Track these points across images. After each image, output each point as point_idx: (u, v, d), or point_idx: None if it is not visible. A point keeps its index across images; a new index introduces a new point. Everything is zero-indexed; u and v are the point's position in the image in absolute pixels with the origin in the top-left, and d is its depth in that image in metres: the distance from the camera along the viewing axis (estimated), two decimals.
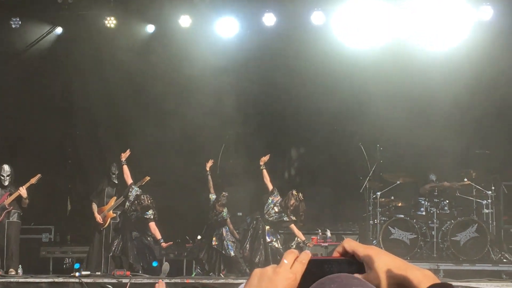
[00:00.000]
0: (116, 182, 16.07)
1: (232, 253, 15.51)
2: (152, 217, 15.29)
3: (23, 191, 14.96)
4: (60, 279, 13.87)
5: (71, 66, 17.85)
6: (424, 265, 14.97)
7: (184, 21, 16.98)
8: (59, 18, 17.76)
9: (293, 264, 1.92)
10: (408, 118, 16.98)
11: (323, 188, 18.89)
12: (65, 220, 19.19)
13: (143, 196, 15.30)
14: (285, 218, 15.40)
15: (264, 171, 15.61)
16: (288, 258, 1.93)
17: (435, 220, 16.14)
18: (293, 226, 15.49)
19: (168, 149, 17.66)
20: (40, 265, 16.92)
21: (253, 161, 16.17)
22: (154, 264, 15.28)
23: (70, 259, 17.42)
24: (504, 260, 15.57)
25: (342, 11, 16.51)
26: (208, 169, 16.11)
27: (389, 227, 15.97)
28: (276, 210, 15.45)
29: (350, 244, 2.00)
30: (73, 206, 19.50)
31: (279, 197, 15.54)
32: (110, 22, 17.17)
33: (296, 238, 15.66)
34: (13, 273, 14.71)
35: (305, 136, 18.76)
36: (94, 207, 15.89)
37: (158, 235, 15.25)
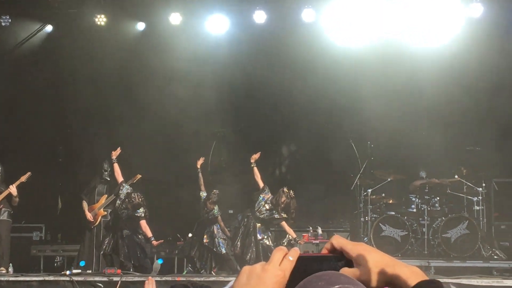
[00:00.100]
0: (108, 179, 16.04)
1: (223, 251, 15.51)
2: (143, 215, 15.27)
3: (13, 189, 14.90)
4: (51, 278, 13.82)
5: (61, 64, 17.80)
6: (415, 262, 15.00)
7: (175, 18, 16.95)
8: (49, 16, 17.73)
9: (282, 261, 1.91)
10: (399, 115, 17.00)
11: (314, 186, 18.89)
12: (56, 219, 19.14)
13: (134, 194, 15.27)
14: (276, 216, 15.41)
15: (255, 169, 15.62)
16: (277, 255, 1.93)
17: (426, 217, 16.17)
18: (284, 223, 15.50)
19: (159, 147, 17.64)
20: (31, 263, 16.89)
21: (244, 159, 16.17)
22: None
23: (61, 258, 17.38)
24: (495, 257, 15.60)
25: (333, 8, 16.49)
26: (199, 166, 16.12)
27: (380, 224, 15.98)
28: (267, 207, 15.45)
29: (338, 241, 2.00)
30: (64, 204, 19.46)
31: (270, 194, 15.55)
32: (100, 20, 17.13)
33: (287, 236, 15.66)
34: (3, 271, 14.66)
35: (296, 134, 18.77)
36: (85, 205, 15.86)
37: (149, 233, 15.23)
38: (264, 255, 14.82)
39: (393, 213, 16.30)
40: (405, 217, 16.07)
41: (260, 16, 16.81)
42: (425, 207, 16.27)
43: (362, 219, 16.57)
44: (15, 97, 17.84)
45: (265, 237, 15.43)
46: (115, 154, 15.71)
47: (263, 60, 17.71)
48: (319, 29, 16.76)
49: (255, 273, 1.92)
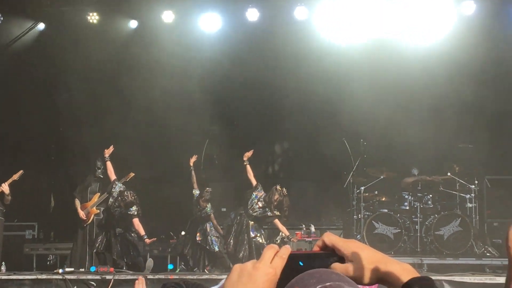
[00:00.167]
0: (101, 176, 16.02)
1: (216, 249, 15.51)
2: (135, 213, 15.25)
3: (5, 187, 14.86)
4: (44, 276, 13.81)
5: (53, 62, 17.76)
6: (408, 260, 15.03)
7: (167, 16, 16.94)
8: (42, 14, 17.68)
9: (273, 259, 1.91)
10: (392, 113, 17.01)
11: (307, 183, 18.91)
12: (48, 217, 19.11)
13: (127, 192, 15.26)
14: (269, 213, 15.42)
15: (248, 167, 15.61)
16: (268, 253, 1.93)
17: (418, 215, 16.20)
18: (277, 221, 15.50)
19: (152, 145, 17.63)
20: (23, 262, 16.85)
21: (236, 157, 16.16)
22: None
23: (53, 256, 17.35)
24: (488, 254, 15.63)
25: (325, 6, 16.50)
26: (191, 164, 16.12)
27: (373, 221, 16.00)
28: (260, 205, 15.46)
29: (330, 238, 2.00)
30: (57, 203, 19.43)
31: (263, 192, 15.55)
32: (93, 17, 17.11)
33: (280, 233, 15.67)
34: None
35: (289, 131, 18.77)
36: (77, 203, 15.83)
37: (142, 231, 15.22)
38: (257, 253, 14.82)
39: (386, 210, 16.32)
40: (398, 215, 16.09)
41: (252, 14, 16.81)
42: (418, 204, 16.30)
43: (355, 216, 16.58)
44: (7, 95, 17.79)
45: (258, 235, 15.44)
46: (108, 152, 15.68)
47: (256, 58, 17.70)
48: (312, 27, 16.77)
49: (246, 271, 1.92)
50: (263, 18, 16.87)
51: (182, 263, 15.93)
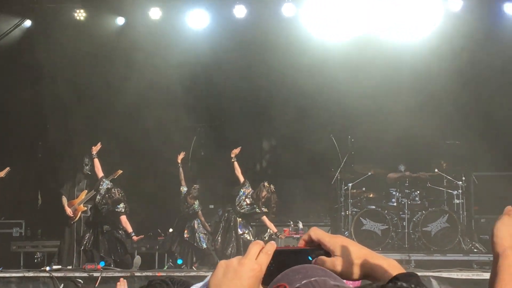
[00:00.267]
0: (89, 172, 15.99)
1: (204, 246, 15.52)
2: (123, 210, 15.24)
3: None
4: (31, 274, 13.78)
5: (40, 59, 17.68)
6: (396, 256, 15.04)
7: (155, 13, 16.91)
8: (28, 10, 17.61)
9: (259, 255, 1.91)
10: (379, 110, 17.04)
11: (295, 180, 18.91)
12: (36, 214, 19.03)
13: (114, 190, 15.24)
14: (257, 210, 15.43)
15: (235, 163, 15.63)
16: (253, 249, 1.93)
17: (406, 211, 16.23)
18: (265, 218, 15.53)
19: (139, 142, 17.57)
20: (10, 259, 16.78)
21: (224, 154, 16.17)
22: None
23: (41, 254, 17.28)
24: (475, 250, 15.68)
25: (313, 3, 16.50)
26: (179, 161, 16.13)
27: (360, 218, 16.02)
28: (248, 202, 15.47)
29: (316, 233, 2.00)
30: (44, 200, 19.35)
31: (250, 189, 15.57)
32: (80, 14, 17.06)
33: (268, 230, 15.69)
34: None
35: (276, 128, 18.75)
36: (64, 200, 15.80)
37: (129, 229, 15.21)
38: (245, 250, 14.43)
39: (373, 207, 16.35)
40: (386, 211, 16.12)
41: (240, 11, 16.79)
42: (406, 201, 16.33)
43: (342, 213, 16.60)
44: None
45: (246, 231, 15.45)
46: (95, 149, 15.66)
47: (243, 54, 17.68)
48: (299, 23, 16.76)
49: (232, 267, 1.92)
50: (250, 15, 16.85)
51: (170, 260, 15.91)
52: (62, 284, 13.33)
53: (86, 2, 17.04)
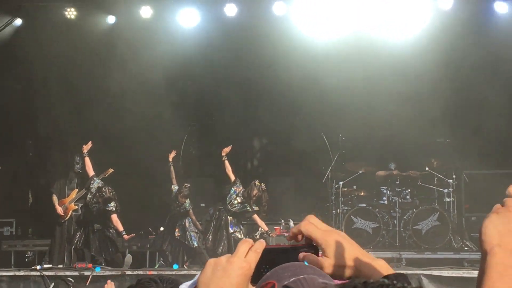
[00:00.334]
0: (80, 171, 15.95)
1: (195, 244, 15.51)
2: (114, 209, 15.22)
3: None
4: (21, 273, 13.76)
5: (31, 57, 17.63)
6: (387, 254, 15.10)
7: (145, 11, 16.89)
8: (19, 9, 17.55)
9: (248, 253, 1.91)
10: (370, 108, 17.06)
11: (286, 178, 18.92)
12: (26, 213, 18.99)
13: (105, 188, 15.23)
14: (248, 209, 15.45)
15: (226, 162, 15.64)
16: (242, 247, 1.93)
17: (397, 209, 16.27)
18: (256, 216, 15.53)
19: (130, 140, 17.54)
20: (1, 258, 16.74)
21: (215, 152, 16.17)
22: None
23: (32, 253, 17.26)
24: (466, 248, 15.71)
25: (303, 1, 16.51)
26: (170, 160, 16.12)
27: (351, 216, 16.06)
28: (239, 200, 15.48)
29: (307, 228, 1.99)
30: (35, 199, 19.31)
31: (241, 187, 15.58)
32: (70, 13, 17.02)
33: (259, 229, 15.70)
34: None
35: (267, 127, 18.75)
36: (55, 199, 15.76)
37: (120, 227, 15.20)
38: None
39: (364, 205, 16.38)
40: (377, 209, 16.15)
41: (231, 9, 16.78)
42: (396, 199, 16.36)
43: (333, 211, 16.62)
44: None
45: (237, 230, 15.46)
46: (86, 148, 15.63)
47: (234, 53, 17.68)
48: (290, 22, 16.77)
49: (220, 265, 1.92)
50: (241, 13, 16.85)
51: (161, 258, 15.91)
52: (53, 283, 13.31)
53: (76, 0, 17.00)
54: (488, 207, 2.02)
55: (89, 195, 15.42)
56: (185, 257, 15.61)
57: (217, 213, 15.67)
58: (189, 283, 2.13)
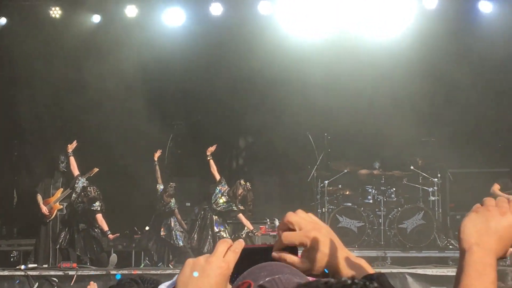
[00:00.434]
0: (65, 170, 15.90)
1: (181, 243, 15.50)
2: (99, 209, 15.20)
3: None
4: (6, 273, 13.71)
5: (15, 57, 17.57)
6: (372, 253, 15.18)
7: (131, 11, 16.86)
8: (3, 8, 17.48)
9: (226, 253, 1.91)
10: (355, 107, 17.09)
11: (271, 178, 18.93)
12: (11, 213, 18.93)
13: (90, 188, 15.20)
14: (233, 208, 15.46)
15: (211, 161, 15.64)
16: (221, 247, 1.93)
17: (382, 208, 16.29)
18: (241, 215, 15.54)
19: (115, 140, 17.51)
20: None
21: (201, 152, 16.16)
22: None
23: (16, 252, 17.21)
24: (450, 247, 15.75)
25: (289, 1, 16.52)
26: (156, 159, 16.11)
27: (337, 215, 16.07)
28: (224, 199, 15.49)
29: (287, 238, 1.98)
30: (19, 199, 19.24)
31: (226, 186, 15.59)
32: (55, 12, 16.97)
33: (245, 228, 15.71)
34: None
35: (252, 126, 18.74)
36: (39, 198, 15.70)
37: (105, 227, 15.18)
38: None
39: (349, 204, 16.40)
40: (362, 208, 16.17)
41: (216, 9, 16.78)
42: (381, 198, 16.39)
43: (319, 210, 16.62)
44: None
45: (222, 229, 15.46)
46: (71, 147, 15.60)
47: (220, 52, 17.67)
48: (276, 21, 16.78)
49: (199, 265, 1.92)
50: (226, 12, 16.85)
51: (147, 258, 15.89)
52: (37, 283, 13.27)
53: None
54: (473, 206, 2.03)
55: (74, 195, 15.39)
56: (171, 257, 15.60)
57: (202, 212, 15.68)
58: (168, 283, 2.12)
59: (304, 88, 17.05)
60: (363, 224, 15.94)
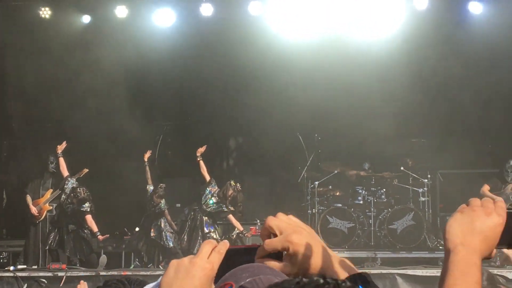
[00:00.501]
0: (55, 170, 15.86)
1: (171, 244, 15.48)
2: (88, 209, 15.17)
3: None
4: None
5: (5, 57, 17.54)
6: (362, 254, 15.22)
7: (121, 11, 16.82)
8: None
9: (211, 254, 1.90)
10: (346, 108, 17.11)
11: (261, 178, 18.92)
12: (0, 214, 18.88)
13: (80, 189, 15.17)
14: (224, 209, 15.45)
15: (201, 162, 15.63)
16: (205, 248, 1.92)
17: (372, 209, 16.31)
18: (231, 216, 15.54)
19: (105, 140, 17.48)
20: None
21: (191, 152, 16.14)
22: None
23: (6, 253, 17.15)
24: (440, 247, 15.75)
25: (280, 1, 16.52)
26: (146, 160, 16.08)
27: (327, 216, 16.08)
28: (214, 200, 15.49)
29: (268, 245, 1.97)
30: (9, 199, 19.20)
31: (216, 187, 15.59)
32: (45, 12, 16.92)
33: (235, 229, 15.71)
34: None
35: (243, 126, 18.75)
36: (29, 199, 15.66)
37: (95, 228, 15.16)
38: None
39: (340, 205, 16.41)
40: (352, 209, 16.19)
41: (207, 9, 16.75)
42: (372, 199, 16.41)
43: (309, 211, 16.63)
44: None
45: (212, 230, 15.45)
46: (60, 148, 15.56)
47: (210, 53, 17.66)
48: (266, 22, 16.77)
49: (183, 266, 1.91)
50: (217, 13, 16.83)
51: (137, 259, 15.86)
52: (26, 284, 13.24)
53: (51, 0, 16.91)
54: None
55: (63, 196, 15.35)
56: (161, 258, 15.57)
57: (192, 213, 15.66)
58: (152, 284, 2.11)
59: (294, 88, 17.05)
60: (353, 225, 15.96)
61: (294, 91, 17.07)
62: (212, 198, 15.51)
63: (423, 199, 16.45)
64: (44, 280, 13.29)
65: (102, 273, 13.52)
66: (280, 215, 2.03)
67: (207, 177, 15.67)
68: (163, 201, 15.58)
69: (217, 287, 1.85)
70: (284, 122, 17.83)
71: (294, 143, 17.81)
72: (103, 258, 14.96)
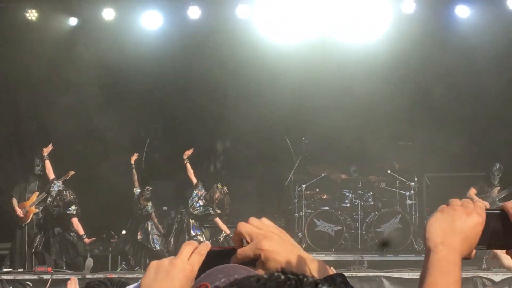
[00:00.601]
0: (41, 173, 15.81)
1: (158, 247, 15.48)
2: (74, 212, 15.15)
3: None
4: None
5: None
6: (349, 257, 15.26)
7: (108, 14, 16.78)
8: None
9: (191, 255, 1.89)
10: (333, 111, 17.09)
11: (249, 181, 18.89)
12: None
13: (66, 192, 15.14)
14: (210, 212, 15.45)
15: (188, 165, 15.63)
16: (186, 249, 1.91)
17: (359, 212, 16.33)
18: (218, 219, 15.54)
19: (92, 143, 17.45)
20: None
21: (178, 155, 16.13)
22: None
23: None
24: None
25: (267, 5, 16.52)
26: (132, 162, 16.08)
27: (314, 219, 16.09)
28: (201, 203, 15.49)
29: (241, 253, 1.95)
30: None
31: (203, 190, 15.59)
32: (31, 14, 16.86)
33: (222, 232, 15.70)
34: None
35: (230, 130, 18.74)
36: (14, 202, 15.62)
37: (81, 231, 15.13)
38: None
39: (327, 208, 16.42)
40: (339, 212, 16.21)
41: (194, 12, 16.74)
42: (359, 202, 16.43)
43: (296, 214, 16.64)
44: None
45: (199, 233, 15.46)
46: (46, 151, 15.52)
47: (197, 56, 17.63)
48: (254, 25, 16.77)
49: (163, 267, 1.90)
50: (204, 16, 16.81)
51: (123, 262, 15.83)
52: (11, 287, 13.20)
53: (38, 2, 16.85)
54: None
55: (49, 198, 15.31)
56: (147, 260, 15.53)
57: (179, 216, 15.65)
58: (132, 286, 2.10)
59: (281, 92, 17.04)
60: (340, 228, 15.97)
61: (282, 94, 17.06)
62: (199, 201, 15.51)
63: (410, 202, 16.49)
64: (29, 283, 13.26)
65: (88, 276, 13.47)
66: (252, 220, 2.00)
67: (194, 180, 15.67)
68: (150, 204, 15.57)
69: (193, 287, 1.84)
70: (271, 125, 17.85)
71: (281, 146, 17.82)
72: (89, 261, 14.92)
